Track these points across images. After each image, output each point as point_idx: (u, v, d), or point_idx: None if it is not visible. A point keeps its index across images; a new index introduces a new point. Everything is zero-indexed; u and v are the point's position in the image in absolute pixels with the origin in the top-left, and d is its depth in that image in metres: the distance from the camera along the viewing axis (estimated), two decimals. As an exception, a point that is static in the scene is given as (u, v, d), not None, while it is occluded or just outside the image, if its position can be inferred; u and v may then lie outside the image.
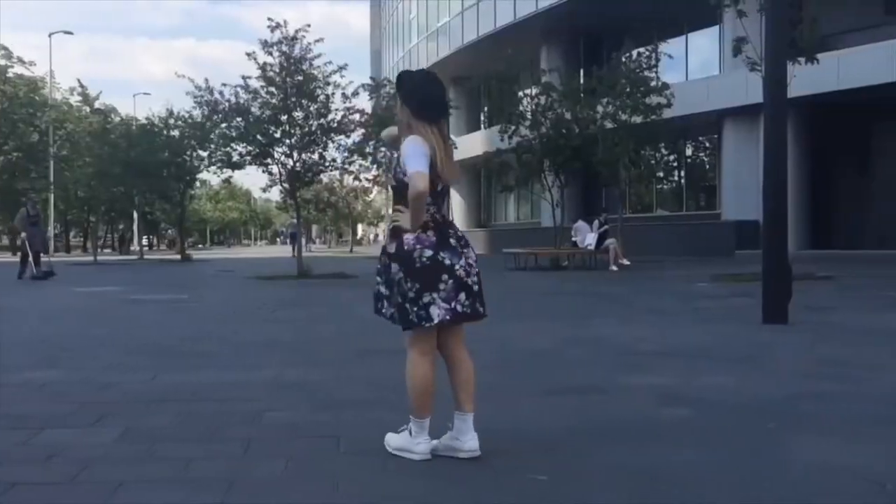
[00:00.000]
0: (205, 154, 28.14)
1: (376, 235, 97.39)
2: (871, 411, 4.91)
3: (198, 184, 42.05)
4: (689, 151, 27.42)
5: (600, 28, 32.74)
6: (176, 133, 30.24)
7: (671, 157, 24.42)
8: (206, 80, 19.70)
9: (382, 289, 3.97)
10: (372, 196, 58.76)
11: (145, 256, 36.96)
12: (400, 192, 3.86)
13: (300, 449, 4.15)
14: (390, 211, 4.03)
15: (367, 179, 35.28)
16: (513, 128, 22.38)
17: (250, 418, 4.85)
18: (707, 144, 29.63)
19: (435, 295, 3.76)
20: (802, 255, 19.99)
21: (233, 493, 3.43)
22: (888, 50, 21.84)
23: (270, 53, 18.80)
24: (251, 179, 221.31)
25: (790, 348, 7.62)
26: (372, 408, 5.01)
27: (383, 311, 3.97)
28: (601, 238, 21.02)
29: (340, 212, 51.31)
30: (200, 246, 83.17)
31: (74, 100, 48.18)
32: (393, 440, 3.98)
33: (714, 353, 7.35)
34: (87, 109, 47.52)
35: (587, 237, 21.16)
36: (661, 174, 25.56)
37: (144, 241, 50.72)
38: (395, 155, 3.96)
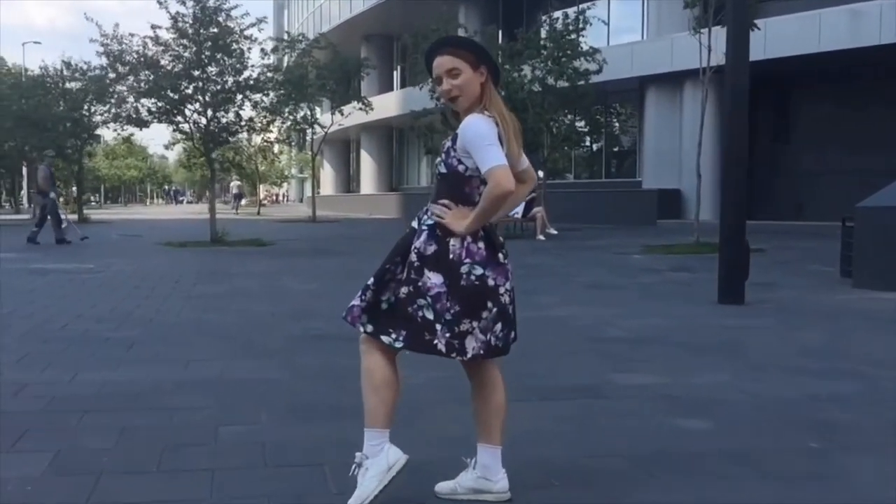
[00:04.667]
0: (104, 109, 26.43)
1: (282, 196, 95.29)
2: (907, 421, 4.42)
3: (100, 140, 39.85)
4: (608, 117, 27.13)
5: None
6: (74, 86, 28.33)
7: (594, 123, 23.89)
8: (117, 25, 18.28)
9: (387, 298, 3.10)
10: (279, 156, 57.07)
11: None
12: (449, 182, 3.09)
13: (281, 489, 3.38)
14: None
15: (275, 140, 34.03)
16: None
17: (205, 436, 4.06)
18: (627, 111, 29.48)
19: (475, 324, 3.02)
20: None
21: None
22: (813, 20, 21.81)
23: (183, 3, 17.47)
24: (148, 135, 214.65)
25: (764, 335, 7.16)
26: (347, 418, 4.26)
27: (392, 336, 3.05)
28: (528, 206, 20.47)
29: (245, 172, 49.66)
30: (94, 203, 79.97)
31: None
32: (463, 482, 3.23)
33: (688, 342, 6.83)
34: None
35: (513, 205, 20.55)
36: (587, 140, 25.14)
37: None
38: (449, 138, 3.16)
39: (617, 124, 26.68)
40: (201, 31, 17.40)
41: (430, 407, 4.55)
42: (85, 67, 27.85)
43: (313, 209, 33.79)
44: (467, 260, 3.00)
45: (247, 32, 18.02)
